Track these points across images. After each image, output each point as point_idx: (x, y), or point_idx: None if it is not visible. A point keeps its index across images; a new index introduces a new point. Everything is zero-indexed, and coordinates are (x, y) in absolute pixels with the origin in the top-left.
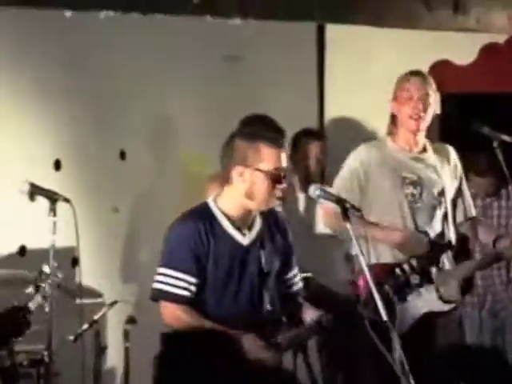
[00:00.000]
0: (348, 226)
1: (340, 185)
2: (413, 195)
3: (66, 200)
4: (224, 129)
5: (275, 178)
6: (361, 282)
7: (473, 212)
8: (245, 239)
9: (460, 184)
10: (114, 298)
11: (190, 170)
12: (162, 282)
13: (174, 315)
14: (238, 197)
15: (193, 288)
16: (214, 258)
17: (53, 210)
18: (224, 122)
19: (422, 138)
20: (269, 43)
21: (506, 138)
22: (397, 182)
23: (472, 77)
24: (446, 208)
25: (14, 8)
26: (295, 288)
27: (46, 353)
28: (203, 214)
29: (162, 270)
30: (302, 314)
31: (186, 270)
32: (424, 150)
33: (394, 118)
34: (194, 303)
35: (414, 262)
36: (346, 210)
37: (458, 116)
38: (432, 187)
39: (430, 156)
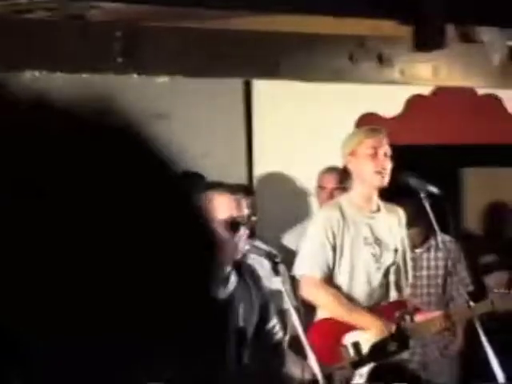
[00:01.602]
0: (277, 280)
1: (310, 249)
2: (374, 255)
3: None
4: None
5: (231, 226)
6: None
7: (410, 277)
8: (221, 293)
9: (404, 248)
10: None
11: None
12: None
13: None
14: None
15: None
16: None
17: None
18: None
19: (376, 197)
20: (197, 100)
21: (432, 189)
22: (359, 241)
23: (399, 129)
24: (397, 268)
25: None
26: (277, 337)
27: None
28: None
29: None
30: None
31: None
32: (378, 209)
33: (345, 174)
34: None
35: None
36: (276, 264)
37: None
38: (388, 247)
39: (384, 215)
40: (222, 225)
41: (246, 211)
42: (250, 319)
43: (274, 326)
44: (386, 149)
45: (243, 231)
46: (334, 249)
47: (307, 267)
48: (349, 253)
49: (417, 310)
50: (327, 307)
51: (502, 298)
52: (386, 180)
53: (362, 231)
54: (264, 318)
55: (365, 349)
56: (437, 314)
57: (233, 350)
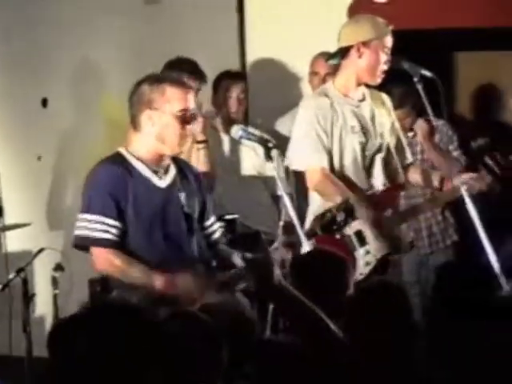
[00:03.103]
0: (272, 166)
1: (304, 135)
2: (361, 143)
3: None
4: (144, 72)
5: (183, 119)
6: None
7: (409, 157)
8: (162, 182)
9: (396, 130)
10: (41, 246)
11: (113, 116)
12: (80, 228)
13: (104, 260)
14: (150, 141)
15: (114, 230)
16: (134, 202)
17: None
18: (147, 66)
19: (362, 85)
20: None
21: (425, 72)
22: (347, 130)
23: (391, 14)
24: (388, 153)
25: None
26: (215, 236)
27: None
28: (118, 161)
29: (80, 215)
30: (227, 261)
31: (104, 212)
32: (363, 97)
33: (345, 54)
34: (119, 247)
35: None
36: (269, 149)
37: None
38: (375, 135)
39: (369, 103)
40: (173, 118)
41: (193, 103)
42: (193, 205)
43: (211, 225)
44: (390, 49)
45: (193, 124)
46: (327, 135)
47: (310, 158)
48: (337, 141)
49: (443, 178)
50: (332, 196)
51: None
52: (381, 79)
53: (348, 120)
54: (203, 215)
55: (368, 237)
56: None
57: (184, 231)
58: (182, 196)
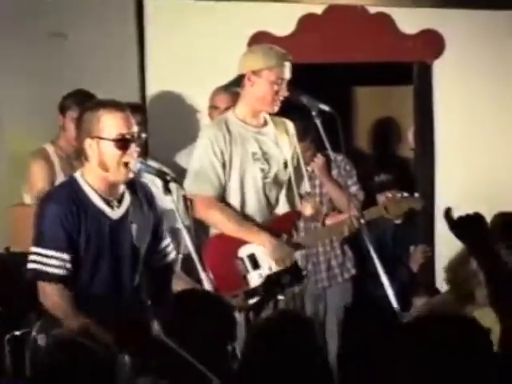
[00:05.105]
0: (169, 199)
1: (200, 167)
2: (262, 170)
3: None
4: (46, 105)
5: (122, 144)
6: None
7: (307, 186)
8: (114, 213)
9: (297, 158)
10: None
11: (12, 146)
12: (35, 262)
13: (49, 297)
14: (96, 169)
15: (68, 265)
16: (85, 233)
17: None
18: (46, 98)
19: (263, 112)
20: (91, 18)
21: (323, 106)
22: (248, 157)
23: (291, 48)
24: (289, 180)
25: None
26: (169, 258)
27: None
28: (71, 188)
29: (34, 249)
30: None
31: (59, 247)
32: (265, 123)
33: (238, 94)
34: (69, 280)
35: None
36: (168, 182)
37: None
38: (277, 161)
39: (271, 129)
40: (111, 143)
41: (135, 128)
42: (143, 238)
43: (166, 246)
44: (287, 79)
45: (133, 148)
46: (223, 165)
47: (198, 186)
48: (238, 169)
49: (326, 215)
50: (219, 225)
51: (393, 201)
52: (278, 107)
53: (249, 147)
54: (157, 237)
55: (261, 260)
56: (346, 215)
57: (127, 269)
58: (134, 228)
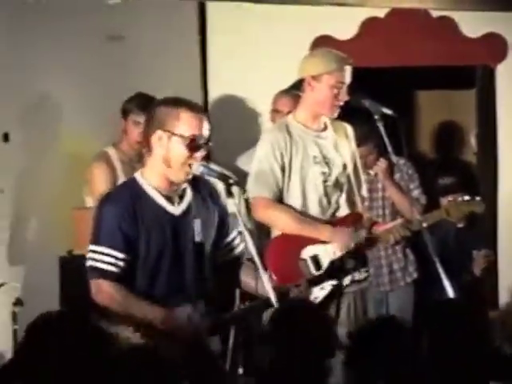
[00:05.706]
0: (231, 202)
1: (259, 170)
2: (323, 173)
3: None
4: (107, 108)
5: (192, 145)
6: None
7: (364, 191)
8: (176, 209)
9: (356, 162)
10: (1, 281)
11: (73, 149)
12: (90, 259)
13: (105, 293)
14: (158, 165)
15: (121, 263)
16: (146, 233)
17: None
18: (106, 101)
19: (323, 116)
20: (150, 21)
21: (386, 110)
22: (309, 161)
23: (353, 51)
24: (349, 184)
25: None
26: (236, 251)
27: None
28: (130, 188)
29: (90, 247)
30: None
31: (114, 245)
32: (325, 127)
33: (300, 85)
34: (123, 280)
35: None
36: (230, 185)
37: None
38: (337, 165)
39: (332, 133)
40: (183, 141)
41: (207, 133)
42: (208, 233)
43: (233, 239)
44: (347, 83)
45: (201, 153)
46: (282, 169)
47: (257, 189)
48: (299, 172)
49: (374, 222)
50: (280, 225)
51: (454, 204)
52: (338, 111)
53: (310, 150)
54: (222, 232)
55: (325, 261)
56: (394, 223)
57: (191, 264)
58: (197, 223)
